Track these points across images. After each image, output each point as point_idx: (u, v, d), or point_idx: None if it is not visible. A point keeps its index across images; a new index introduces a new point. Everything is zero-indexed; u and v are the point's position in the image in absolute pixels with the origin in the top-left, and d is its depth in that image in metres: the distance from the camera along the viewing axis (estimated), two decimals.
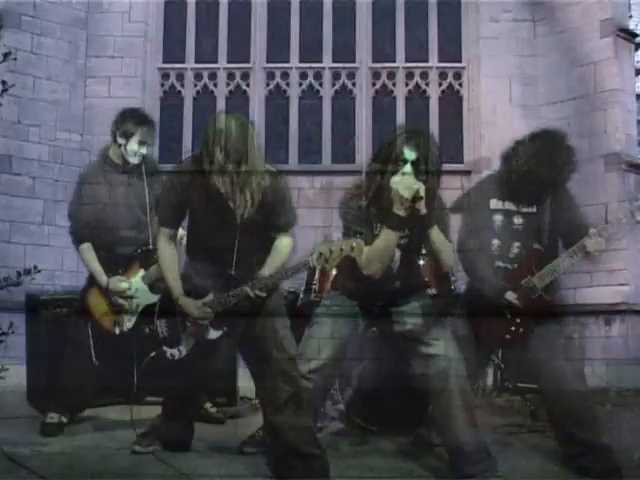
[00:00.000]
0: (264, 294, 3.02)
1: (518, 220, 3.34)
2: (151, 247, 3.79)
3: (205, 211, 3.02)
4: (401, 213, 2.92)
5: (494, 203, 3.35)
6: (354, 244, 2.89)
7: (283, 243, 3.12)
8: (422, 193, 2.89)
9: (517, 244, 3.33)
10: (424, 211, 2.93)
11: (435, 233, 3.03)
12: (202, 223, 3.08)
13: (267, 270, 3.04)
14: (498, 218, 3.34)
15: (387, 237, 3.00)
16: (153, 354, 3.23)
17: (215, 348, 3.21)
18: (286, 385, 3.01)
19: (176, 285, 3.10)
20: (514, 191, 3.32)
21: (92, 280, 3.84)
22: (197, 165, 2.98)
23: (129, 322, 3.74)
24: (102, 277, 3.78)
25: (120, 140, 3.85)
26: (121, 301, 3.75)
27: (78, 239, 3.85)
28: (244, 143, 2.91)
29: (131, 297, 3.75)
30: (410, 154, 2.96)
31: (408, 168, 2.95)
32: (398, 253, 3.12)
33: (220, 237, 3.03)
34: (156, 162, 4.21)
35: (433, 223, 3.02)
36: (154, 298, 3.52)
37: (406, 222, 2.98)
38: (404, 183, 2.92)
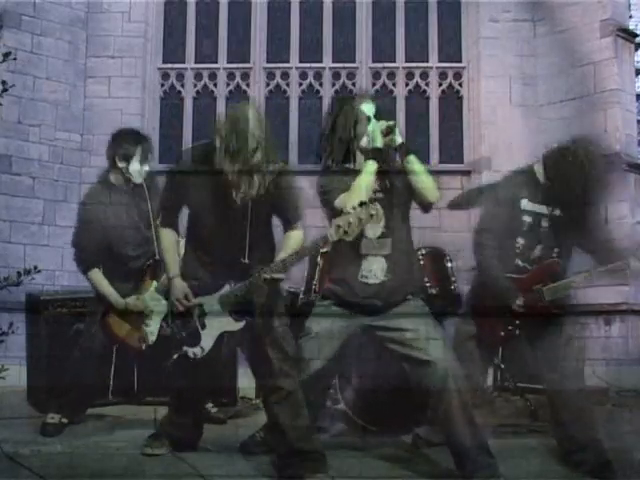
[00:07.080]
0: (283, 276, 2.98)
1: (545, 223, 3.32)
2: (158, 257, 3.82)
3: (212, 202, 3.01)
4: (378, 144, 3.13)
5: (525, 203, 3.31)
6: (373, 212, 2.79)
7: (295, 233, 3.15)
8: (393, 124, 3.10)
9: (540, 246, 3.32)
10: (399, 140, 3.15)
11: (413, 160, 3.15)
12: (209, 214, 3.06)
13: (283, 254, 3.03)
14: (527, 219, 3.31)
15: (367, 168, 3.16)
16: (176, 356, 3.14)
17: (237, 341, 3.20)
18: (284, 384, 3.03)
19: (173, 266, 3.14)
20: (548, 194, 3.28)
21: (105, 305, 3.81)
22: (205, 154, 2.98)
23: (152, 336, 3.74)
24: (119, 300, 3.78)
25: (121, 164, 3.82)
26: (145, 321, 3.73)
27: (86, 266, 3.82)
28: (260, 129, 2.92)
29: (149, 313, 3.73)
30: (369, 108, 3.21)
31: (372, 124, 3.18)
32: (379, 207, 2.94)
33: (230, 226, 3.02)
34: (155, 177, 4.11)
35: (410, 152, 3.16)
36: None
37: (384, 154, 3.17)
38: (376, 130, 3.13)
